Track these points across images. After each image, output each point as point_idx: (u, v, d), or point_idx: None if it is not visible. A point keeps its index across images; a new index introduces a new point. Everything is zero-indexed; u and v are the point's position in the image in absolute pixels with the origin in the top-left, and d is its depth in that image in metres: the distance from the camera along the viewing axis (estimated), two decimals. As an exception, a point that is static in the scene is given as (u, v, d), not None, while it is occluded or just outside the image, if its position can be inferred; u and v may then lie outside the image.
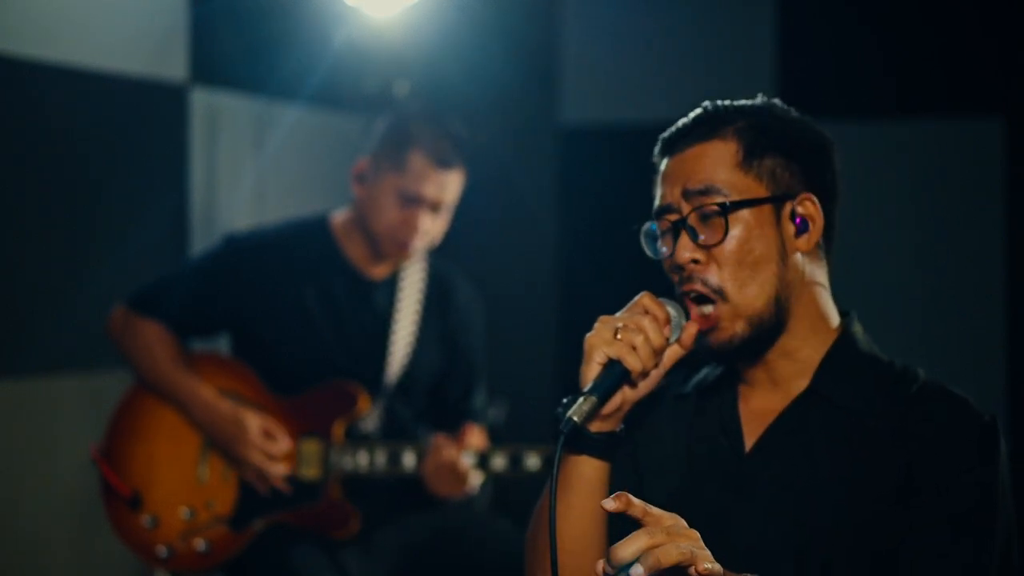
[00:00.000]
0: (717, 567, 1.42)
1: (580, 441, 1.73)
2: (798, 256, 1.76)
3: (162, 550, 3.05)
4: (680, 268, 1.75)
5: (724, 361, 1.82)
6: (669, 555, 1.40)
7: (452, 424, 3.27)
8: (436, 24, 4.18)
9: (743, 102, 1.81)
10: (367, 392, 3.12)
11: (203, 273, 3.18)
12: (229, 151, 3.97)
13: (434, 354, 3.28)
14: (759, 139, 1.76)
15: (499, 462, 3.06)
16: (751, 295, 1.73)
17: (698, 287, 1.74)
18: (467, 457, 3.06)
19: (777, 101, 1.84)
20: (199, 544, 3.05)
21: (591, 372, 1.70)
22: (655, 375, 1.75)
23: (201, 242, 3.79)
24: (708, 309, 1.75)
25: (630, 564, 1.39)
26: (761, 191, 1.75)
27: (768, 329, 1.75)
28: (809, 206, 1.76)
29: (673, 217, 1.77)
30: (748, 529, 1.73)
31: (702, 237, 1.74)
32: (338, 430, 3.10)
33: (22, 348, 3.36)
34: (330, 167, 4.27)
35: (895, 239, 4.26)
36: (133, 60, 3.62)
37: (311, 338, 3.15)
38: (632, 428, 1.85)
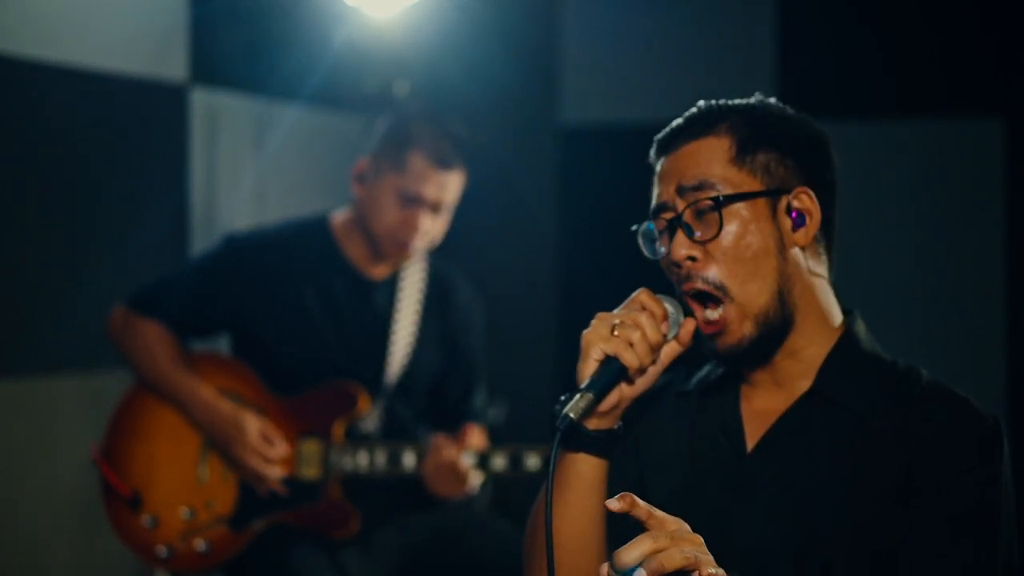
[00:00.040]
0: (720, 572, 1.42)
1: (577, 439, 1.73)
2: (797, 250, 1.75)
3: (162, 550, 3.05)
4: (678, 266, 1.75)
5: (733, 365, 1.82)
6: (673, 559, 1.40)
7: (452, 424, 3.27)
8: (436, 24, 4.18)
9: (737, 101, 1.82)
10: (367, 392, 3.12)
11: (203, 273, 3.18)
12: (229, 151, 3.97)
13: (434, 354, 3.28)
14: (752, 134, 1.76)
15: (499, 462, 3.06)
16: (754, 291, 1.73)
17: (698, 284, 1.74)
18: (467, 457, 3.06)
19: (772, 100, 1.84)
20: (199, 544, 3.05)
21: (588, 369, 1.69)
22: (653, 372, 1.75)
23: (201, 242, 3.79)
24: (714, 315, 1.74)
25: (634, 568, 1.40)
26: (756, 185, 1.74)
27: (775, 328, 1.74)
28: (805, 200, 1.76)
29: (669, 215, 1.77)
30: (748, 529, 1.73)
31: (698, 233, 1.74)
32: (338, 430, 3.10)
33: (22, 348, 3.36)
34: (330, 167, 4.27)
35: (895, 239, 4.26)
36: (133, 60, 3.62)
37: (311, 338, 3.15)
38: (634, 426, 1.85)
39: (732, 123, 1.77)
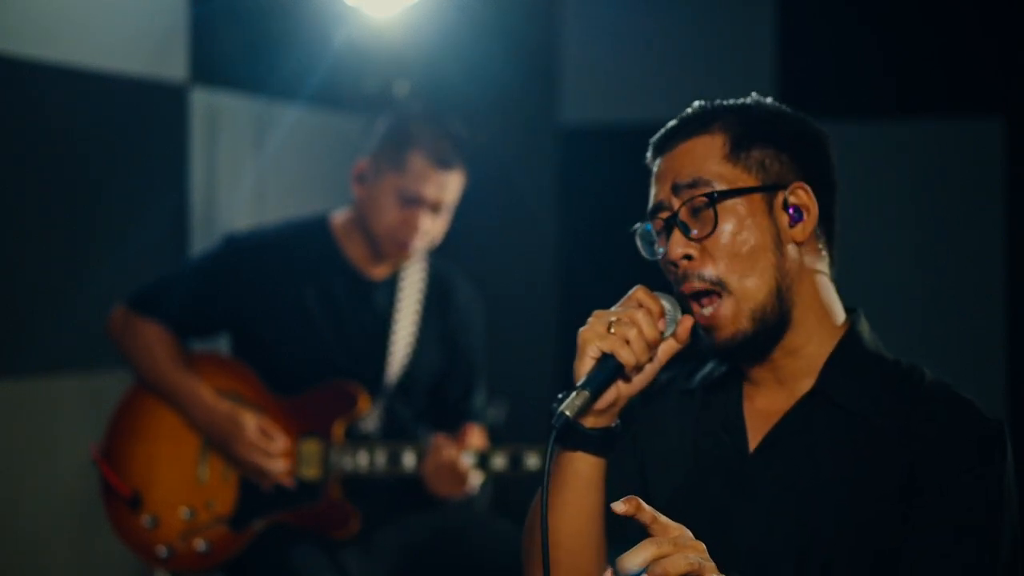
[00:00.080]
0: None
1: (574, 437, 1.72)
2: (795, 247, 1.75)
3: (162, 550, 3.05)
4: (675, 266, 1.75)
5: (730, 360, 1.81)
6: (676, 566, 1.41)
7: (452, 424, 3.27)
8: (436, 24, 4.18)
9: (731, 100, 1.82)
10: (367, 392, 3.12)
11: (203, 273, 3.18)
12: (229, 151, 3.97)
13: (434, 354, 3.28)
14: (747, 131, 1.76)
15: (499, 462, 3.06)
16: (751, 287, 1.72)
17: (695, 284, 1.73)
18: (467, 457, 3.06)
19: (768, 99, 1.84)
20: (199, 544, 3.05)
21: (584, 367, 1.68)
22: (650, 369, 1.74)
23: (201, 242, 3.79)
24: (709, 309, 1.74)
25: (638, 574, 1.40)
26: (751, 181, 1.74)
27: (772, 324, 1.73)
28: (802, 195, 1.75)
29: (665, 215, 1.77)
30: (750, 529, 1.72)
31: (694, 231, 1.73)
32: (338, 430, 3.10)
33: (22, 348, 3.36)
34: (330, 167, 4.27)
35: (895, 239, 4.26)
36: (133, 60, 3.62)
37: (311, 338, 3.15)
38: (636, 424, 1.85)
39: (726, 121, 1.77)
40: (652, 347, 1.71)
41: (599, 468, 1.74)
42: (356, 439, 3.13)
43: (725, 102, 1.81)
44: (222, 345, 3.50)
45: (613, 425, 1.74)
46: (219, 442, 3.07)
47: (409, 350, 3.23)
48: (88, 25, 3.48)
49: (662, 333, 1.72)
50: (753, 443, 1.77)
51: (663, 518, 1.47)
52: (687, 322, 1.74)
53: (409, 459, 3.07)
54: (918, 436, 1.68)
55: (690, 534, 1.47)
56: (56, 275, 3.44)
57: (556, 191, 4.71)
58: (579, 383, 1.67)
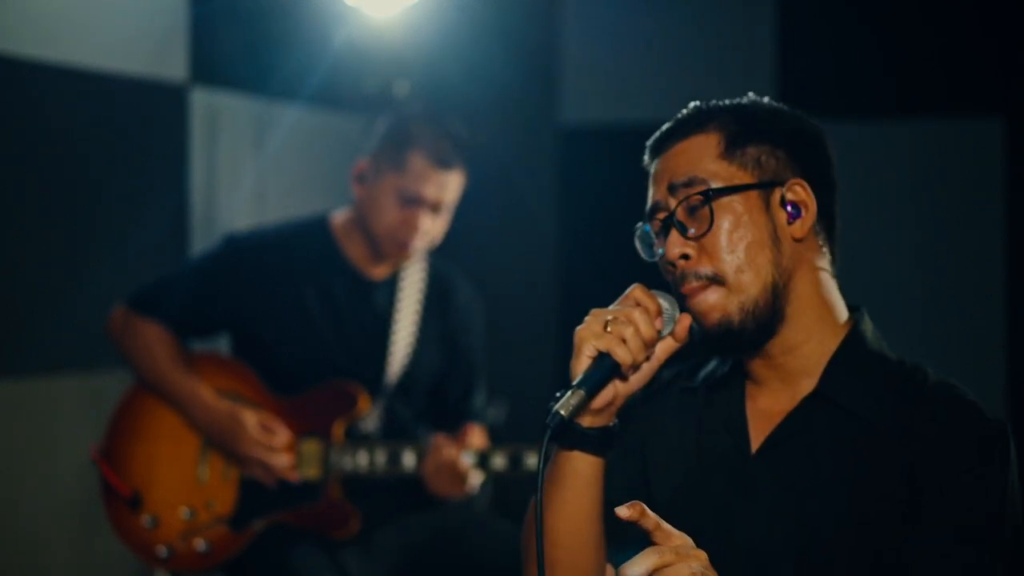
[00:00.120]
0: None
1: (572, 436, 1.72)
2: (793, 243, 1.75)
3: (162, 550, 3.05)
4: (673, 266, 1.75)
5: (722, 352, 1.81)
6: (679, 575, 1.41)
7: (452, 424, 3.27)
8: (436, 24, 4.18)
9: (727, 100, 1.82)
10: (367, 392, 3.12)
11: (203, 273, 3.18)
12: (229, 151, 3.97)
13: (434, 354, 3.28)
14: (742, 129, 1.76)
15: (499, 462, 3.06)
16: (747, 281, 1.71)
17: (694, 283, 1.73)
18: (467, 457, 3.06)
19: (765, 99, 1.84)
20: (199, 544, 3.05)
21: (581, 365, 1.68)
22: (647, 368, 1.73)
23: (201, 242, 3.79)
24: (701, 295, 1.73)
25: None
26: (747, 178, 1.74)
27: (764, 318, 1.72)
28: (800, 191, 1.75)
29: (662, 215, 1.77)
30: (751, 528, 1.72)
31: (691, 230, 1.73)
32: (338, 430, 3.10)
33: (22, 348, 3.36)
34: (330, 167, 4.27)
35: (895, 239, 4.26)
36: (133, 60, 3.62)
37: (311, 338, 3.15)
38: (636, 422, 1.85)
39: (721, 120, 1.77)
40: (649, 346, 1.70)
41: (597, 467, 1.73)
42: (356, 439, 3.13)
43: (721, 102, 1.81)
44: (222, 345, 3.50)
45: (611, 424, 1.74)
46: (220, 441, 3.07)
47: (409, 350, 3.23)
48: (88, 25, 3.48)
49: (659, 332, 1.71)
50: (755, 444, 1.77)
51: (666, 525, 1.48)
52: (685, 321, 1.73)
53: (409, 459, 3.07)
54: (919, 436, 1.68)
55: (692, 542, 1.48)
56: (56, 275, 3.44)
57: (556, 191, 4.71)
58: (575, 382, 1.66)
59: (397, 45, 4.10)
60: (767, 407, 1.78)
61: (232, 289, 3.14)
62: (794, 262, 1.75)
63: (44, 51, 3.34)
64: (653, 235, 1.80)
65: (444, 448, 3.04)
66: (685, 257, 1.73)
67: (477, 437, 3.22)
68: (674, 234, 1.74)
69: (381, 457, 3.07)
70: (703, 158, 1.75)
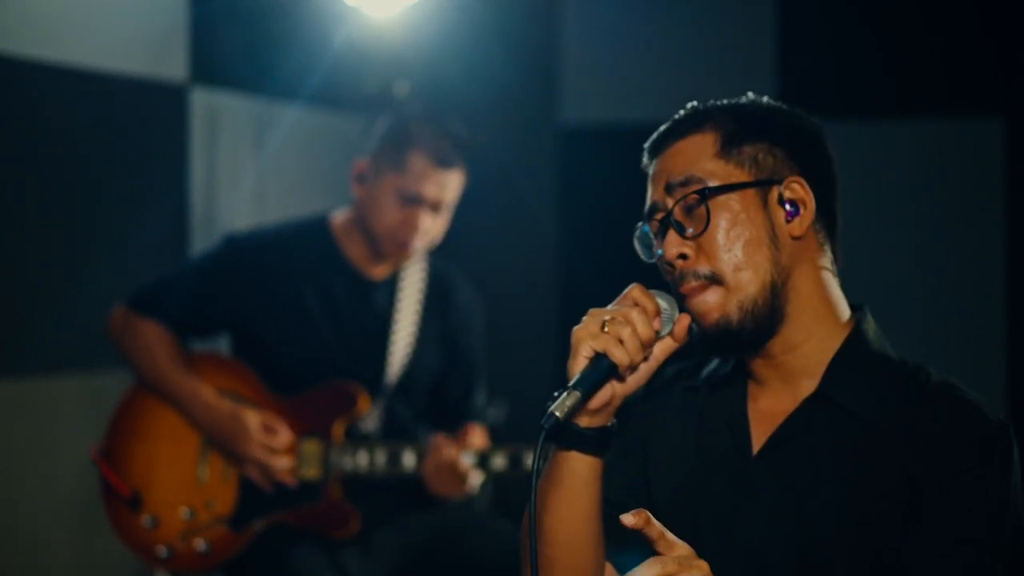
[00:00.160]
0: None
1: (569, 436, 1.71)
2: (792, 241, 1.74)
3: (162, 550, 3.05)
4: (671, 266, 1.74)
5: (721, 352, 1.81)
6: None
7: (452, 424, 3.27)
8: (436, 24, 4.18)
9: (725, 100, 1.81)
10: (367, 392, 3.12)
11: (203, 273, 3.18)
12: (229, 151, 3.97)
13: (434, 354, 3.28)
14: (738, 127, 1.76)
15: (499, 462, 3.06)
16: (745, 280, 1.71)
17: (692, 283, 1.72)
18: (467, 457, 3.06)
19: (764, 98, 1.84)
20: (199, 544, 3.05)
21: (577, 366, 1.66)
22: (645, 369, 1.72)
23: (201, 242, 3.79)
24: (701, 295, 1.72)
25: None
26: (743, 177, 1.73)
27: (763, 317, 1.72)
28: (798, 189, 1.74)
29: (660, 215, 1.77)
30: (751, 528, 1.72)
31: (689, 230, 1.72)
32: (338, 430, 3.10)
33: (22, 348, 3.36)
34: (330, 167, 4.27)
35: (895, 239, 4.26)
36: (133, 60, 3.62)
37: (311, 338, 3.15)
38: (639, 421, 1.84)
39: (718, 120, 1.77)
40: (647, 346, 1.68)
41: (595, 467, 1.72)
42: (356, 439, 3.13)
43: (718, 102, 1.81)
44: (222, 345, 3.50)
45: (609, 424, 1.73)
46: (221, 441, 3.07)
47: (409, 350, 3.23)
48: (88, 25, 3.48)
49: (658, 332, 1.70)
50: (757, 445, 1.76)
51: (670, 535, 1.48)
52: (684, 321, 1.72)
53: (409, 459, 3.07)
54: (920, 436, 1.68)
55: (693, 552, 1.48)
56: (56, 275, 3.44)
57: (556, 191, 4.71)
58: (571, 383, 1.65)
59: (397, 45, 4.10)
60: (769, 408, 1.78)
61: (232, 289, 3.14)
62: (793, 260, 1.74)
63: (44, 51, 3.34)
64: (652, 235, 1.79)
65: (444, 448, 3.04)
66: (683, 257, 1.73)
67: (477, 437, 3.22)
68: (672, 234, 1.74)
69: (381, 457, 3.07)
70: (700, 157, 1.75)
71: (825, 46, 4.36)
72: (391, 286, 3.25)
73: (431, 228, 3.15)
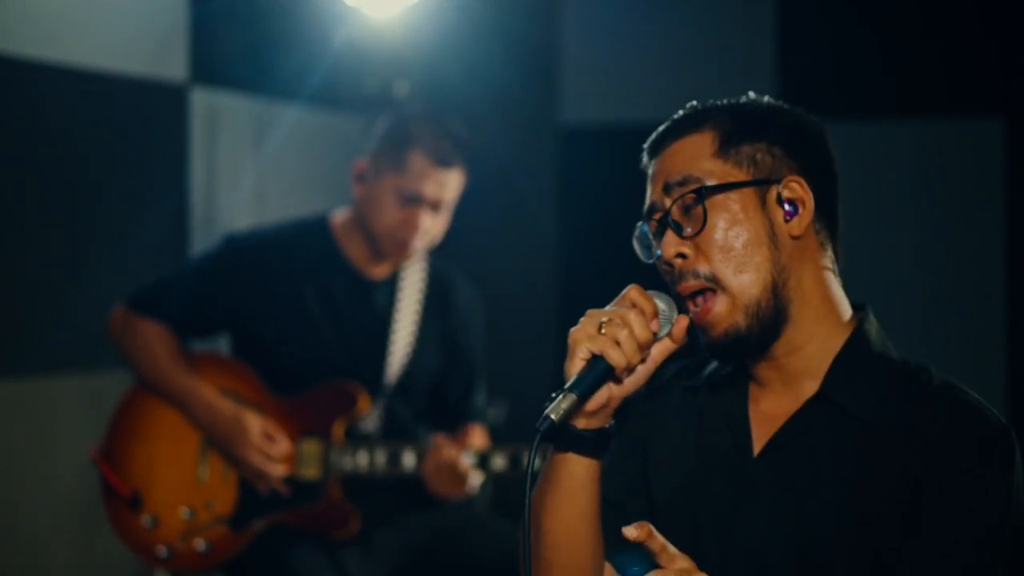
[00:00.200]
0: None
1: (566, 438, 1.70)
2: (791, 241, 1.73)
3: (162, 550, 3.05)
4: (670, 266, 1.74)
5: (727, 359, 1.80)
6: None
7: (452, 424, 3.27)
8: (436, 24, 4.18)
9: (724, 100, 1.81)
10: (367, 392, 3.12)
11: (203, 273, 3.18)
12: (229, 151, 3.97)
13: (434, 354, 3.28)
14: (737, 127, 1.75)
15: (499, 462, 3.06)
16: (747, 282, 1.70)
17: (691, 282, 1.71)
18: (467, 457, 3.06)
19: (765, 98, 1.83)
20: (199, 544, 3.05)
21: (574, 368, 1.65)
22: (643, 371, 1.70)
23: (201, 242, 3.79)
24: (704, 305, 1.72)
25: None
26: (742, 176, 1.73)
27: (768, 320, 1.71)
28: (796, 188, 1.74)
29: (659, 215, 1.76)
30: (751, 528, 1.72)
31: (687, 230, 1.72)
32: (338, 430, 3.10)
33: (22, 348, 3.36)
34: (330, 167, 4.27)
35: (895, 239, 4.26)
36: (133, 60, 3.62)
37: (311, 338, 3.15)
38: (639, 421, 1.84)
39: (716, 119, 1.76)
40: (644, 348, 1.67)
41: (592, 469, 1.71)
42: (356, 439, 3.13)
43: (717, 102, 1.80)
44: (222, 345, 3.50)
45: (607, 426, 1.72)
46: (220, 442, 3.06)
47: (409, 350, 3.23)
48: (88, 25, 3.48)
49: (656, 334, 1.68)
50: (758, 446, 1.76)
51: (671, 548, 1.48)
52: (683, 322, 1.71)
53: (409, 459, 3.07)
54: (921, 437, 1.67)
55: (694, 565, 1.48)
56: (56, 275, 3.44)
57: (556, 191, 4.71)
58: (567, 385, 1.64)
59: (397, 45, 4.10)
60: (770, 409, 1.77)
61: (232, 289, 3.14)
62: (793, 260, 1.73)
63: (44, 51, 3.34)
64: (651, 236, 1.79)
65: (444, 448, 3.04)
66: (682, 256, 1.72)
67: (477, 437, 3.22)
68: (670, 234, 1.73)
69: (381, 457, 3.07)
70: (698, 157, 1.74)
71: (825, 46, 4.36)
72: (391, 286, 3.25)
73: (431, 228, 3.15)
